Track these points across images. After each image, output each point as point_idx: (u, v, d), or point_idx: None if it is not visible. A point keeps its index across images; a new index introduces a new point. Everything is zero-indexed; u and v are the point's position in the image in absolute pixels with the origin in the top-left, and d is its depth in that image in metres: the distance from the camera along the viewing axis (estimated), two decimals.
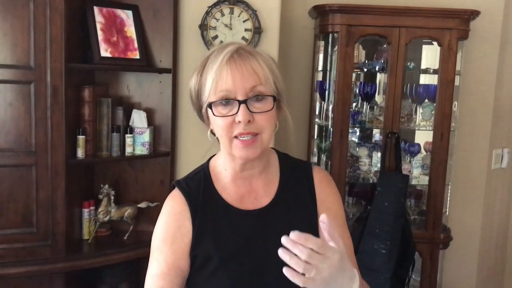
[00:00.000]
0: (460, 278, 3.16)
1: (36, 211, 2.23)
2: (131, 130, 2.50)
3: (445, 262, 3.13)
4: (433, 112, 2.81)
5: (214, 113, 1.06)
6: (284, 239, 0.88)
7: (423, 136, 3.01)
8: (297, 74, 3.03)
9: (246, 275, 1.09)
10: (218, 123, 1.07)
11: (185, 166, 2.66)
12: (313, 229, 1.12)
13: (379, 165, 2.88)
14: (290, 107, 3.14)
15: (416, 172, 3.05)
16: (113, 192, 2.51)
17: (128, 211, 2.54)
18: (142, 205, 2.58)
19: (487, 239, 3.23)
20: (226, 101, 1.04)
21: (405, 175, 2.76)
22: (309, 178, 1.18)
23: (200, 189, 1.14)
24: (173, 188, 1.18)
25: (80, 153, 2.35)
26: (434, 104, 2.80)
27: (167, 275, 1.07)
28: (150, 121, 2.59)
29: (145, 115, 2.54)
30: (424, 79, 3.00)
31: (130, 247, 2.50)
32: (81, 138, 2.34)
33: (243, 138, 1.05)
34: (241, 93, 1.03)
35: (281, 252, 0.87)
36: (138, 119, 2.53)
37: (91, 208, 2.50)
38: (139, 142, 2.51)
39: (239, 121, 1.04)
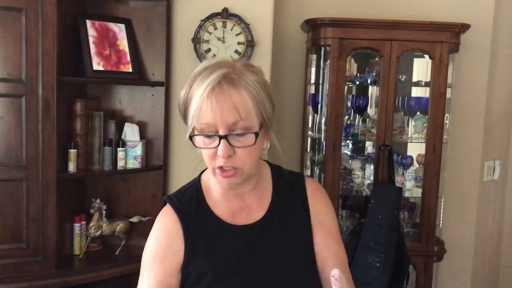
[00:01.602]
0: None
1: (26, 226, 2.20)
2: (123, 144, 2.48)
3: (439, 275, 3.12)
4: (425, 125, 2.83)
5: (195, 144, 1.05)
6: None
7: (416, 149, 3.02)
8: (290, 87, 3.03)
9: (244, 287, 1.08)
10: (203, 155, 1.06)
11: (178, 179, 2.65)
12: (306, 243, 1.13)
13: (372, 177, 2.88)
14: (283, 120, 3.14)
15: (409, 184, 3.05)
16: (104, 207, 2.48)
17: (120, 226, 2.51)
18: (134, 219, 2.56)
19: (481, 250, 3.23)
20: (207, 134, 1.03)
21: (398, 187, 2.76)
22: (302, 190, 1.17)
23: (192, 204, 1.13)
24: (164, 203, 1.17)
25: (71, 167, 2.32)
26: (426, 117, 2.81)
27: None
28: (143, 135, 2.57)
29: (138, 128, 2.53)
30: (416, 92, 3.01)
31: (122, 262, 2.47)
32: (72, 152, 2.31)
33: (225, 169, 1.04)
34: (222, 128, 1.01)
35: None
36: (131, 132, 2.51)
37: (82, 223, 2.47)
38: (131, 156, 2.50)
39: (219, 155, 1.02)
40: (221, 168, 1.03)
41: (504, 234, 3.48)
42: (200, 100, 1.01)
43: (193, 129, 1.04)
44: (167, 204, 1.15)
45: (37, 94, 2.16)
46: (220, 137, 1.01)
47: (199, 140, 1.04)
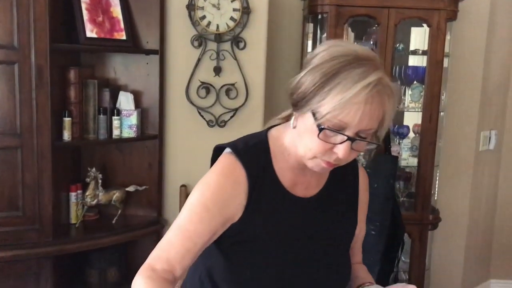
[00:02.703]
0: (448, 258, 3.18)
1: (22, 194, 2.19)
2: (118, 113, 2.46)
3: (433, 243, 3.15)
4: (422, 94, 2.81)
5: (320, 136, 0.98)
6: None
7: (412, 118, 3.02)
8: (286, 56, 3.00)
9: (290, 261, 1.08)
10: (313, 141, 0.99)
11: (174, 149, 2.64)
12: (351, 226, 1.19)
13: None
14: (279, 90, 3.10)
15: (405, 154, 3.05)
16: (100, 176, 2.47)
17: (116, 195, 2.51)
18: (131, 188, 2.55)
19: (475, 220, 3.26)
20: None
21: (394, 156, 2.75)
22: (355, 178, 1.20)
23: (259, 164, 1.08)
24: (218, 150, 1.11)
25: (66, 135, 2.30)
26: (423, 86, 2.80)
27: (201, 237, 1.02)
28: (138, 104, 2.55)
29: (132, 97, 2.50)
30: (413, 61, 2.99)
31: (118, 231, 2.47)
32: (67, 120, 2.29)
33: (328, 163, 1.01)
34: (354, 130, 0.96)
35: None
36: (125, 101, 2.49)
37: (78, 192, 2.47)
38: (126, 125, 2.48)
39: (336, 153, 0.99)
40: (327, 161, 1.01)
41: (498, 204, 3.50)
42: (353, 101, 0.93)
43: (314, 114, 0.97)
44: (234, 155, 1.08)
45: (30, 61, 2.13)
46: (349, 139, 0.96)
47: (321, 135, 0.97)
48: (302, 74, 1.01)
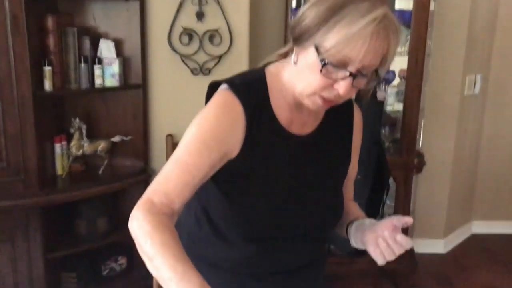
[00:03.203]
0: (432, 201, 3.25)
1: (5, 145, 2.16)
2: (100, 61, 2.41)
3: (418, 187, 3.21)
4: (408, 38, 2.78)
5: (322, 72, 0.95)
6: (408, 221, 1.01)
7: (398, 63, 2.99)
8: (271, 1, 2.93)
9: (285, 197, 1.09)
10: (314, 77, 0.97)
11: (158, 98, 2.60)
12: (344, 165, 1.21)
13: None
14: (264, 36, 3.04)
15: (391, 99, 3.06)
16: (84, 126, 2.45)
17: (101, 145, 2.49)
18: (116, 139, 2.53)
19: (459, 163, 3.31)
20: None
21: (379, 101, 2.76)
22: (350, 119, 1.19)
23: (256, 100, 1.06)
24: (213, 87, 1.09)
25: (47, 85, 2.26)
26: (409, 30, 2.76)
27: (199, 171, 1.00)
28: (119, 52, 2.49)
29: (113, 45, 2.44)
30: (399, 4, 2.95)
31: (105, 181, 2.47)
32: (47, 69, 2.24)
33: (326, 100, 1.00)
34: (357, 66, 0.94)
35: (381, 242, 1.02)
36: (106, 49, 2.43)
37: (63, 142, 2.44)
38: (108, 74, 2.43)
39: (336, 89, 0.97)
40: (326, 98, 0.99)
41: (482, 147, 3.56)
42: (358, 35, 0.91)
43: (317, 49, 0.95)
44: (231, 91, 1.05)
45: (4, 9, 2.05)
46: (351, 75, 0.95)
47: (324, 70, 0.95)
48: (306, 7, 0.99)
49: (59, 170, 2.45)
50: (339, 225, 1.20)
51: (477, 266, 3.18)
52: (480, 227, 3.65)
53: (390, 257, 1.01)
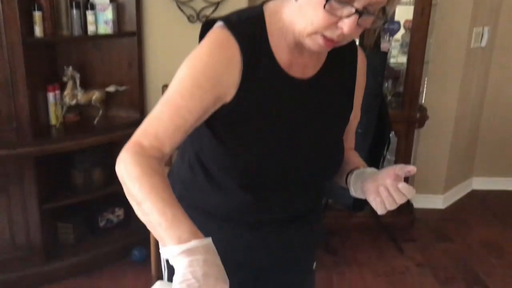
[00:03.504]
0: (433, 156, 3.21)
1: None
2: (92, 7, 2.31)
3: (419, 142, 3.16)
4: None
5: (325, 8, 0.88)
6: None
7: (404, 14, 2.89)
8: None
9: (283, 143, 1.03)
10: (317, 14, 0.89)
11: (153, 46, 2.52)
12: (346, 111, 1.13)
13: (357, 43, 2.77)
14: None
15: (395, 51, 2.97)
16: (78, 75, 2.37)
17: (95, 95, 2.42)
18: (110, 89, 2.46)
19: (462, 118, 3.25)
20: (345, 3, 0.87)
21: (383, 52, 2.68)
22: (353, 63, 1.12)
23: (254, 40, 0.98)
24: (208, 25, 1.01)
25: (38, 31, 2.17)
26: None
27: (192, 114, 0.93)
28: None
29: None
30: None
31: (100, 131, 2.42)
32: (37, 14, 2.14)
33: (328, 40, 0.92)
34: (365, 3, 0.87)
35: (382, 190, 0.96)
36: None
37: (56, 92, 2.38)
38: (101, 20, 2.33)
39: (341, 28, 0.89)
40: (328, 38, 0.92)
41: (486, 103, 3.49)
42: None
43: None
44: (226, 29, 0.97)
45: None
46: (357, 12, 0.87)
47: (327, 5, 0.88)
48: None
49: (53, 120, 2.39)
50: (338, 174, 1.15)
51: (476, 222, 3.17)
52: (480, 183, 3.63)
53: (391, 206, 0.96)
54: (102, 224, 2.65)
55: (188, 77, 0.94)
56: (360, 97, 1.17)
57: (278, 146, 1.02)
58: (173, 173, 1.17)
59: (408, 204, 3.10)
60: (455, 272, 2.61)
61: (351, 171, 1.10)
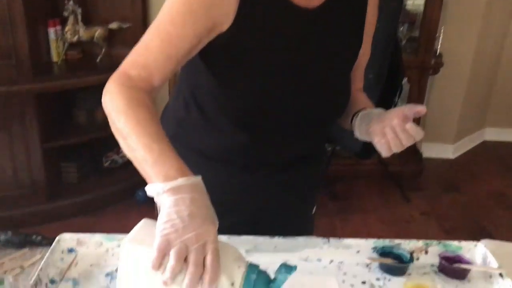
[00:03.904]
0: (446, 105, 3.12)
1: None
2: None
3: (432, 89, 3.06)
4: None
5: None
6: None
7: None
8: None
9: (283, 79, 0.95)
10: None
11: None
12: (355, 46, 1.04)
13: None
14: None
15: None
16: (79, 10, 2.29)
17: (98, 32, 2.34)
18: (113, 25, 2.38)
19: (478, 66, 3.12)
20: None
21: None
22: None
23: None
24: None
25: None
26: None
27: (184, 42, 0.86)
28: None
29: None
30: None
31: (103, 70, 2.35)
32: None
33: None
34: None
35: (388, 131, 0.89)
36: None
37: (57, 27, 2.30)
38: None
39: None
40: None
41: (505, 51, 3.35)
42: None
43: None
44: None
45: None
46: None
47: None
48: None
49: (54, 57, 2.32)
50: (343, 116, 1.08)
51: (485, 173, 3.11)
52: (493, 134, 3.54)
53: (397, 148, 0.90)
54: (106, 164, 2.64)
55: (180, 2, 0.86)
56: (370, 33, 1.08)
57: (278, 83, 0.95)
58: (168, 111, 1.11)
59: (417, 153, 3.05)
60: (460, 222, 2.58)
61: (356, 113, 1.03)
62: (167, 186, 0.70)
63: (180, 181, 0.70)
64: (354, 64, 1.07)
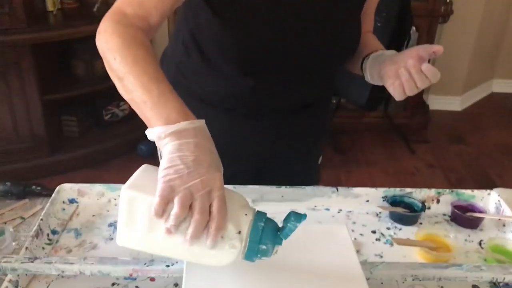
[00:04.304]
0: (454, 55, 3.03)
1: None
2: None
3: (441, 39, 2.97)
4: None
5: None
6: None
7: None
8: None
9: (291, 20, 0.89)
10: None
11: None
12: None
13: None
14: None
15: None
16: None
17: None
18: None
19: (489, 16, 3.02)
20: None
21: None
22: None
23: None
24: None
25: None
26: None
27: None
28: None
29: None
30: None
31: (101, 19, 2.25)
32: None
33: None
34: None
35: (403, 72, 0.82)
36: None
37: None
38: None
39: None
40: None
41: None
42: None
43: None
44: None
45: None
46: None
47: None
48: None
49: (49, 6, 2.24)
50: (352, 60, 1.02)
51: (492, 124, 3.07)
52: (501, 85, 3.47)
53: (411, 91, 0.84)
54: (107, 117, 2.59)
55: None
56: None
57: (284, 22, 0.88)
58: (167, 56, 1.06)
59: (423, 105, 2.99)
60: (466, 174, 2.56)
61: (367, 55, 0.97)
62: (169, 129, 0.65)
63: (183, 124, 0.65)
64: (365, 4, 1.01)
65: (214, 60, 0.93)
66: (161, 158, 0.65)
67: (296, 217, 0.64)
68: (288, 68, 0.94)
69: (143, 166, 0.69)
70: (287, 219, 0.65)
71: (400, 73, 0.83)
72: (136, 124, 2.63)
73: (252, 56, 0.90)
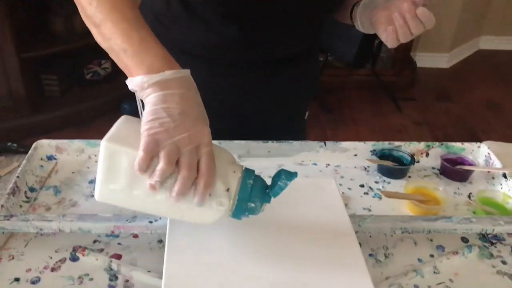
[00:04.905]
0: (443, 12, 2.99)
1: None
2: None
3: None
4: None
5: None
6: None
7: None
8: None
9: None
10: None
11: None
12: None
13: None
14: None
15: None
16: None
17: None
18: None
19: None
20: None
21: None
22: None
23: None
24: None
25: None
26: None
27: None
28: None
29: None
30: None
31: None
32: None
33: None
34: None
35: (397, 17, 0.78)
36: None
37: None
38: None
39: None
40: None
41: None
42: None
43: None
44: None
45: None
46: None
47: None
48: None
49: None
50: (342, 9, 0.97)
51: (479, 82, 3.05)
52: (488, 42, 3.44)
53: (405, 38, 0.80)
54: (88, 76, 2.52)
55: None
56: None
57: None
58: (145, 6, 1.00)
59: (411, 63, 2.95)
60: (453, 131, 2.56)
61: (357, 2, 0.93)
62: (153, 79, 0.60)
63: (168, 74, 0.60)
64: None
65: (195, 7, 0.88)
66: (142, 111, 0.61)
67: (286, 175, 0.61)
68: (273, 15, 0.89)
69: (123, 117, 0.65)
70: (277, 176, 0.62)
71: (394, 18, 0.79)
72: (119, 83, 2.56)
73: (236, 1, 0.85)
